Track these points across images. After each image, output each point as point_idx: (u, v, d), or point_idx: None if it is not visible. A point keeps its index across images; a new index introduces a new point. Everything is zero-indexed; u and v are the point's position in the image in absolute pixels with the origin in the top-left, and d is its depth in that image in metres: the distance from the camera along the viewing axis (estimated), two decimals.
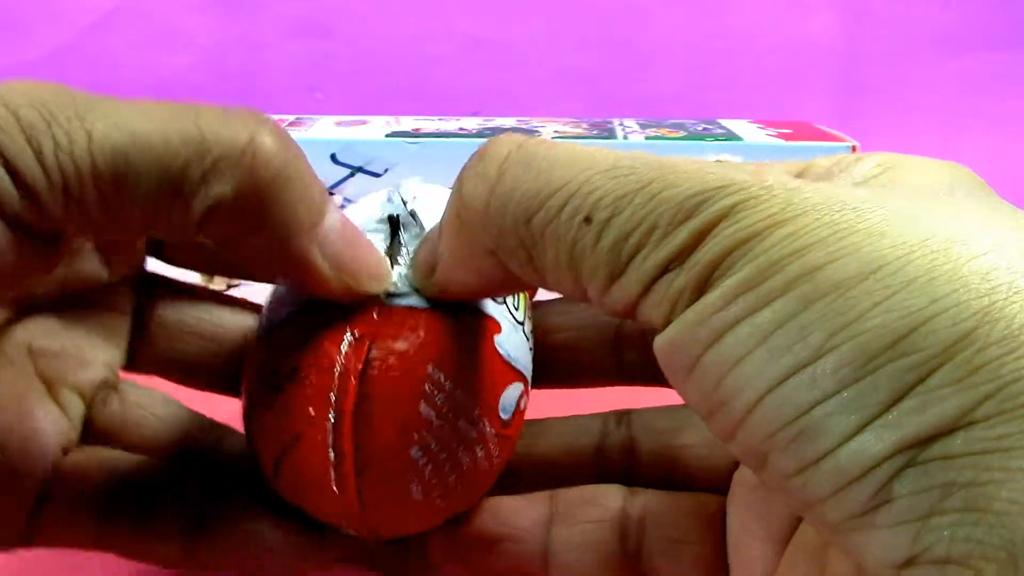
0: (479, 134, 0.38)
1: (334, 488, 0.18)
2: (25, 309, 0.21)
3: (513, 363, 0.20)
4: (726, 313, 0.14)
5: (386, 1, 0.57)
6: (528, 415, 0.22)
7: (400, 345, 0.18)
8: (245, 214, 0.17)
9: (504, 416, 0.20)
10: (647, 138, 0.38)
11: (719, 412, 0.15)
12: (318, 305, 0.19)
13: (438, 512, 0.20)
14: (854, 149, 0.36)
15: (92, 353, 0.22)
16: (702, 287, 0.14)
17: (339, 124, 0.40)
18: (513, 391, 0.20)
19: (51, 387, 0.21)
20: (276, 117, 0.41)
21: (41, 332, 0.22)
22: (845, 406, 0.13)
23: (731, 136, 0.38)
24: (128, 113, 0.16)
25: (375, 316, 0.19)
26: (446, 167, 0.38)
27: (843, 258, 0.14)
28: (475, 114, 0.43)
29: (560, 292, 0.17)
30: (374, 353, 0.18)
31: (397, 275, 0.20)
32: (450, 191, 0.18)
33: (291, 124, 0.40)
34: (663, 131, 0.39)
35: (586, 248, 0.15)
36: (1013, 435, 0.12)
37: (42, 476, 0.20)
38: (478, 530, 0.21)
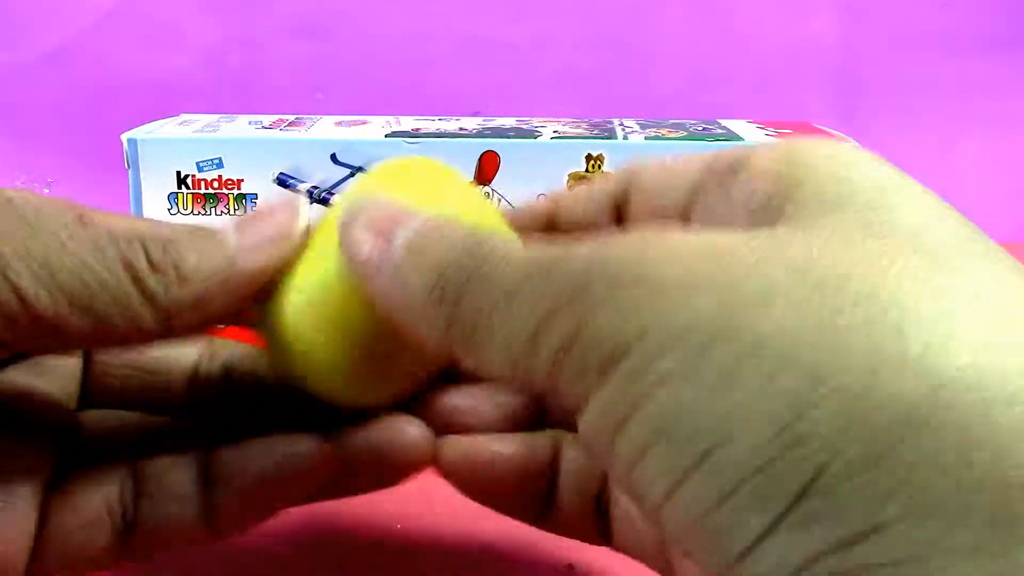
0: (479, 134, 0.38)
1: None
2: None
3: None
4: (623, 403, 0.14)
5: (386, 1, 0.57)
6: None
7: None
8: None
9: None
10: (647, 138, 0.38)
11: (639, 503, 0.14)
12: None
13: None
14: None
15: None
16: (603, 369, 0.14)
17: (339, 124, 0.40)
18: None
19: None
20: (276, 117, 0.41)
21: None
22: (750, 503, 0.12)
23: (731, 136, 0.38)
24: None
25: None
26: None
27: (722, 340, 0.13)
28: (475, 114, 0.43)
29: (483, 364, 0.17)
30: None
31: None
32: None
33: (291, 124, 0.40)
34: (663, 131, 0.39)
35: (502, 322, 0.15)
36: (926, 542, 0.11)
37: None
38: None
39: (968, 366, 0.12)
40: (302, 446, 0.21)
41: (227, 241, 0.19)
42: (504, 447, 0.22)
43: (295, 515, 0.27)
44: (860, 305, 0.13)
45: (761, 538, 0.12)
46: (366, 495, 0.23)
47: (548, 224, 0.23)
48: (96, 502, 0.21)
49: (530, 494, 0.22)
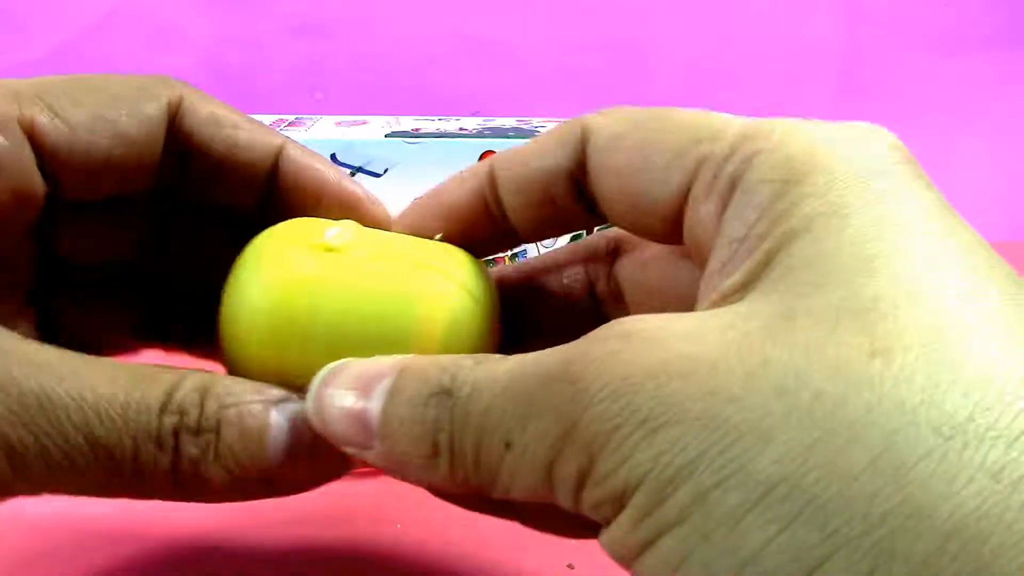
0: (479, 134, 0.38)
1: None
2: None
3: None
4: (637, 537, 0.14)
5: (386, 1, 0.57)
6: None
7: None
8: None
9: None
10: None
11: None
12: None
13: None
14: None
15: None
16: (616, 504, 0.14)
17: (339, 124, 0.40)
18: None
19: None
20: (276, 117, 0.41)
21: None
22: None
23: None
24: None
25: None
26: (446, 167, 0.39)
27: (728, 480, 0.13)
28: (475, 114, 0.43)
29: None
30: None
31: None
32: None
33: (291, 124, 0.40)
34: None
35: (517, 466, 0.15)
36: None
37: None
38: None
39: (974, 511, 0.12)
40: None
41: (276, 446, 0.17)
42: None
43: (295, 514, 0.27)
44: (859, 442, 0.12)
45: None
46: (366, 496, 0.23)
47: (485, 213, 0.21)
48: None
49: None
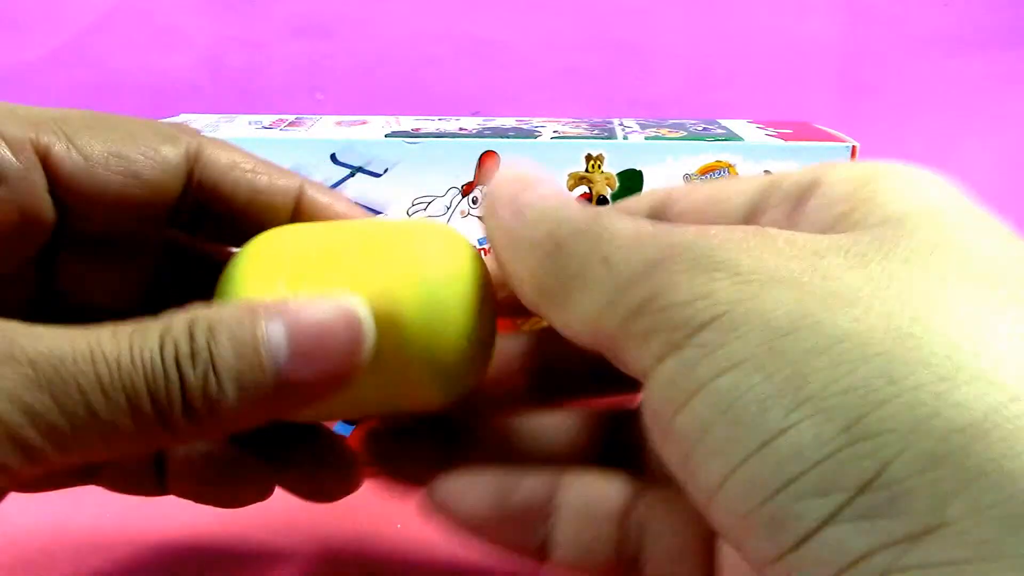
0: (479, 134, 0.38)
1: None
2: None
3: None
4: (693, 376, 0.14)
5: (386, 1, 0.57)
6: None
7: None
8: None
9: None
10: (647, 138, 0.38)
11: (690, 484, 0.14)
12: None
13: None
14: (854, 149, 0.36)
15: None
16: (676, 340, 0.14)
17: (339, 124, 0.40)
18: None
19: None
20: (276, 117, 0.41)
21: None
22: (812, 491, 0.12)
23: (731, 136, 0.38)
24: None
25: None
26: (446, 167, 0.38)
27: (804, 328, 0.13)
28: (475, 114, 0.43)
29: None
30: None
31: None
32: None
33: (291, 124, 0.40)
34: (663, 131, 0.39)
35: (599, 281, 0.16)
36: (990, 542, 0.11)
37: None
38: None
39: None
40: None
41: (277, 356, 0.18)
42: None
43: (295, 514, 0.27)
44: (937, 315, 0.13)
45: (819, 528, 0.12)
46: (366, 496, 0.23)
47: None
48: None
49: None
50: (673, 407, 0.14)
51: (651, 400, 0.15)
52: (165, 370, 0.17)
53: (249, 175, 0.23)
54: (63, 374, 0.16)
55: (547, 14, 0.57)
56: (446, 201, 0.36)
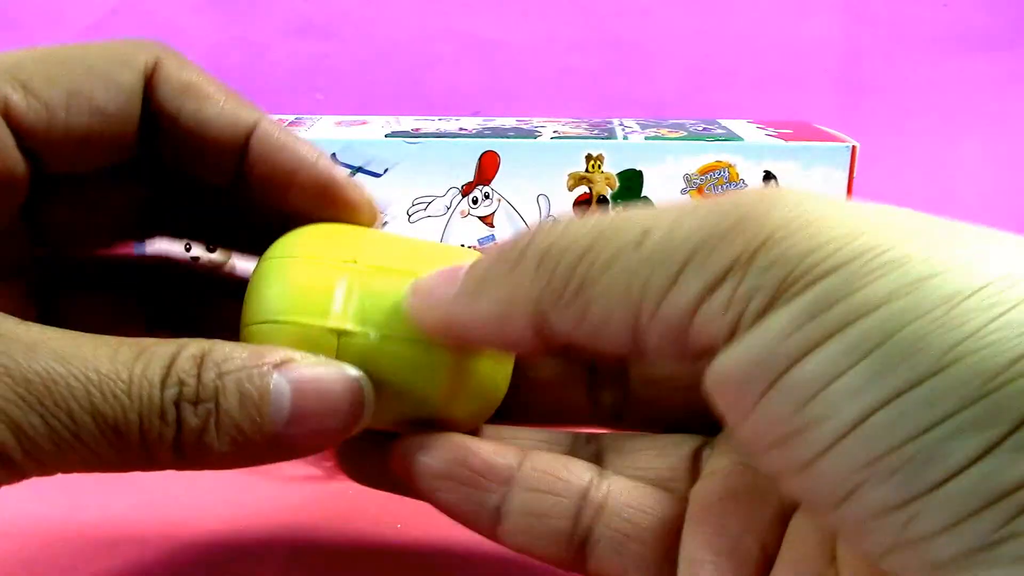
0: (479, 134, 0.38)
1: None
2: None
3: None
4: (809, 331, 0.13)
5: (386, 1, 0.57)
6: None
7: None
8: None
9: None
10: (647, 138, 0.38)
11: (795, 440, 0.14)
12: None
13: None
14: (854, 149, 0.36)
15: None
16: (770, 302, 0.14)
17: (339, 124, 0.40)
18: None
19: None
20: (276, 117, 0.41)
21: None
22: (964, 428, 0.12)
23: (731, 136, 0.38)
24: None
25: None
26: (446, 167, 0.38)
27: (945, 272, 0.13)
28: (475, 114, 0.43)
29: (601, 337, 0.16)
30: None
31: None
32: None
33: (291, 124, 0.40)
34: (663, 131, 0.39)
35: (641, 260, 0.15)
36: None
37: None
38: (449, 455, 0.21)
39: None
40: None
41: (278, 418, 0.17)
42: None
43: (295, 515, 0.27)
44: None
45: (971, 462, 0.12)
46: (366, 496, 0.23)
47: None
48: None
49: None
50: (783, 364, 0.13)
51: (747, 358, 0.14)
52: (163, 408, 0.17)
53: (197, 102, 0.21)
54: (56, 398, 0.16)
55: (547, 14, 0.57)
56: (446, 201, 0.36)
